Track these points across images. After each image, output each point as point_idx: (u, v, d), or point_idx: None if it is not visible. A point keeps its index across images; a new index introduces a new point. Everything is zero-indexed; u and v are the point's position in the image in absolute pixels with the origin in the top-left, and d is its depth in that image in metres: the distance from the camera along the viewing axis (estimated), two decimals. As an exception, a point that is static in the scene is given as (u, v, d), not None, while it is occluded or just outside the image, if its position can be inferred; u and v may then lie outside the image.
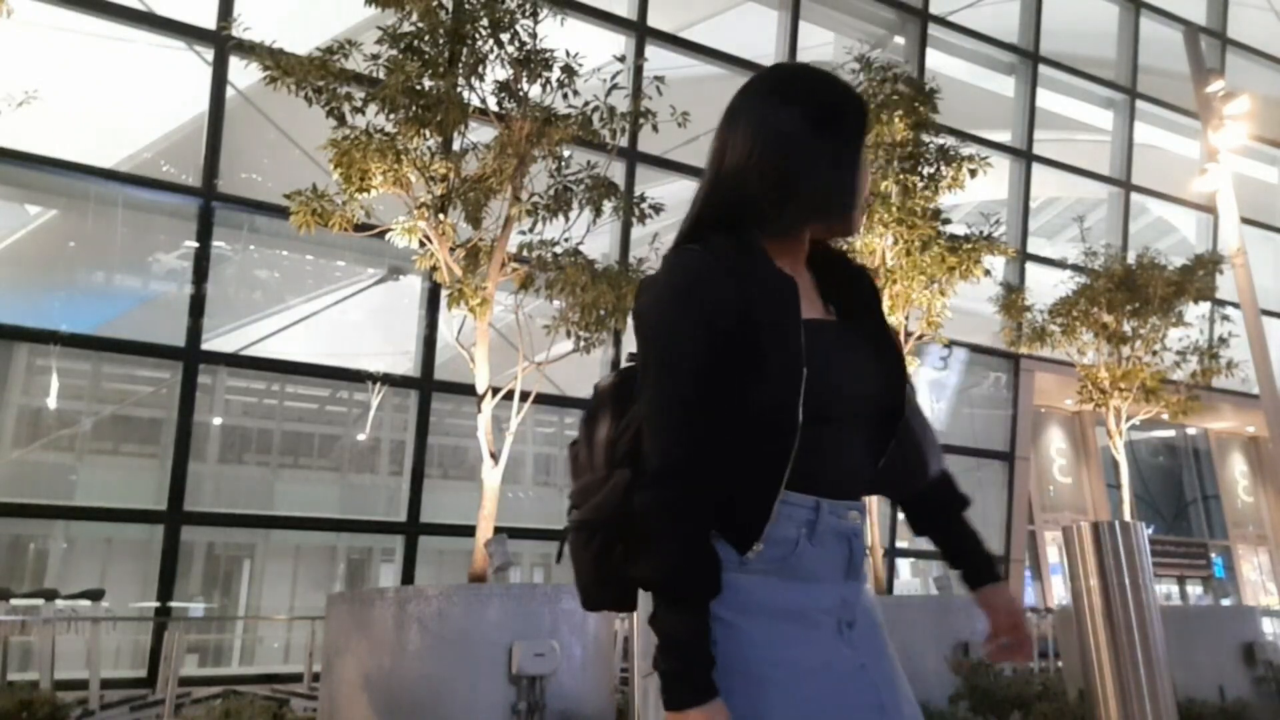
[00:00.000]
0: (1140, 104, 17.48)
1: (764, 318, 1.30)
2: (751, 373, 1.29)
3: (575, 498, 1.50)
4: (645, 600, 1.32)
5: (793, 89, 1.49)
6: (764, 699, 1.25)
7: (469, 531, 5.87)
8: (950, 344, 8.54)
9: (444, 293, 6.24)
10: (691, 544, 1.25)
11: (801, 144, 1.41)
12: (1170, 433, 18.70)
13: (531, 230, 6.41)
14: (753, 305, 1.31)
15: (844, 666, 1.32)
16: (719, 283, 1.32)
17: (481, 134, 6.50)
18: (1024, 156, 15.84)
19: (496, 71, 6.37)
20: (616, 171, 10.65)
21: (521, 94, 6.33)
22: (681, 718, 1.20)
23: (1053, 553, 15.89)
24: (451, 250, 6.22)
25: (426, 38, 6.14)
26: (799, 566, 1.32)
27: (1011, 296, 10.69)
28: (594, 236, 6.71)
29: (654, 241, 7.05)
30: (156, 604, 9.44)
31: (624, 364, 1.52)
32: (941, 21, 15.46)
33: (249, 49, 6.21)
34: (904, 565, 14.62)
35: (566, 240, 6.42)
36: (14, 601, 7.54)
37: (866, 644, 1.37)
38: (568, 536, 1.48)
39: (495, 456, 5.91)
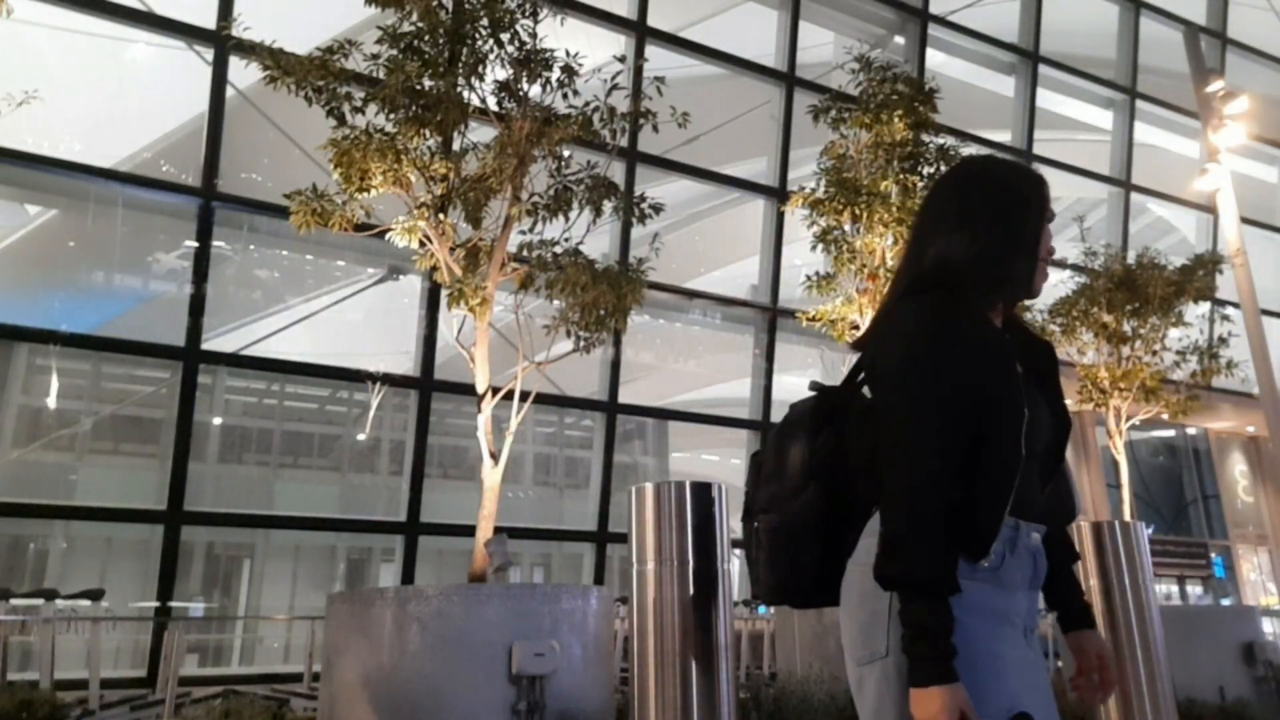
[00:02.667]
0: (1140, 104, 17.48)
1: (994, 368, 1.57)
2: (985, 413, 1.53)
3: (766, 504, 1.74)
4: (853, 594, 1.59)
5: (986, 182, 1.75)
6: (982, 684, 1.48)
7: (469, 531, 5.87)
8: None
9: (444, 293, 6.24)
10: (940, 551, 1.47)
11: (999, 232, 1.68)
12: (1170, 433, 18.71)
13: (531, 230, 6.40)
14: (984, 357, 1.56)
15: (1034, 661, 1.58)
16: (961, 332, 1.57)
17: (481, 134, 6.50)
18: (1024, 156, 15.84)
19: (496, 71, 6.37)
20: (616, 171, 10.66)
21: (521, 94, 6.33)
22: (926, 694, 1.41)
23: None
24: (451, 250, 6.22)
25: (426, 37, 6.14)
26: (1005, 576, 1.56)
27: (1011, 296, 10.67)
28: (594, 236, 6.71)
29: (654, 241, 7.04)
30: (156, 604, 9.44)
31: (811, 387, 1.82)
32: (941, 21, 15.46)
33: (249, 49, 6.21)
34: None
35: (566, 240, 6.42)
36: (14, 601, 7.54)
37: (1039, 649, 1.65)
38: (761, 538, 1.72)
39: (495, 456, 5.91)
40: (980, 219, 1.68)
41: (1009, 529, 1.56)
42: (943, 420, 1.51)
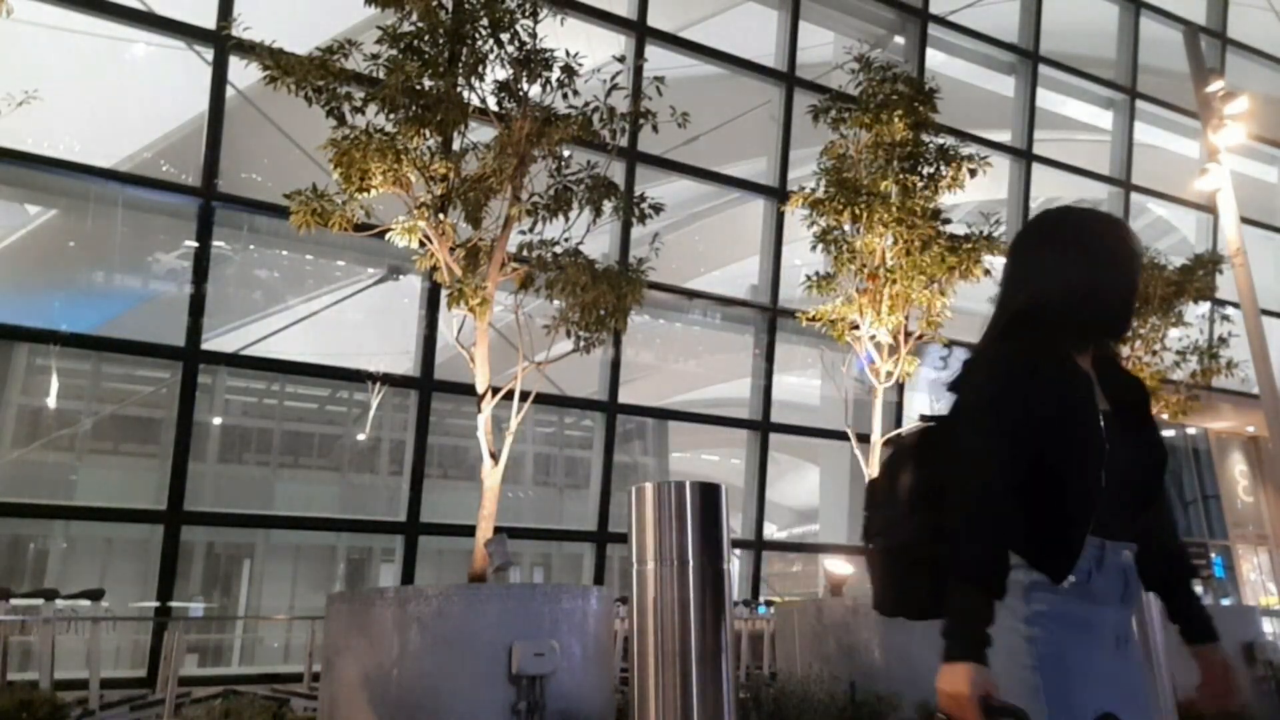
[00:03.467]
0: (1140, 104, 17.47)
1: (1072, 405, 1.73)
2: (1061, 446, 1.71)
3: (880, 527, 1.92)
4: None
5: (1070, 233, 1.90)
6: (1068, 686, 1.66)
7: (469, 531, 5.88)
8: (950, 344, 8.52)
9: (444, 293, 6.24)
10: (989, 554, 1.65)
11: (1086, 282, 1.82)
12: (1170, 433, 18.69)
13: (531, 230, 6.41)
14: (1062, 395, 1.73)
15: (1114, 671, 1.71)
16: (1040, 371, 1.75)
17: (481, 134, 6.50)
18: (1024, 156, 15.84)
19: (496, 71, 6.37)
20: (616, 171, 10.65)
21: (521, 94, 6.33)
22: (954, 669, 1.57)
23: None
24: (451, 250, 6.22)
25: (426, 38, 6.14)
26: (1091, 591, 1.71)
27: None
28: (594, 236, 6.71)
29: (654, 241, 7.04)
30: (156, 604, 9.43)
31: (920, 422, 1.96)
32: (941, 21, 15.45)
33: (249, 49, 6.21)
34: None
35: (566, 240, 6.42)
36: (14, 601, 7.53)
37: (1134, 657, 1.78)
38: (876, 559, 1.92)
39: (495, 456, 5.92)
40: (1069, 265, 1.84)
41: (1094, 548, 1.71)
42: (1001, 445, 1.70)
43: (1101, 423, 1.75)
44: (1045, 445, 1.71)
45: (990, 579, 1.64)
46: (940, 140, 8.66)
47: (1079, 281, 1.82)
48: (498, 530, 5.74)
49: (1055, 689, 1.65)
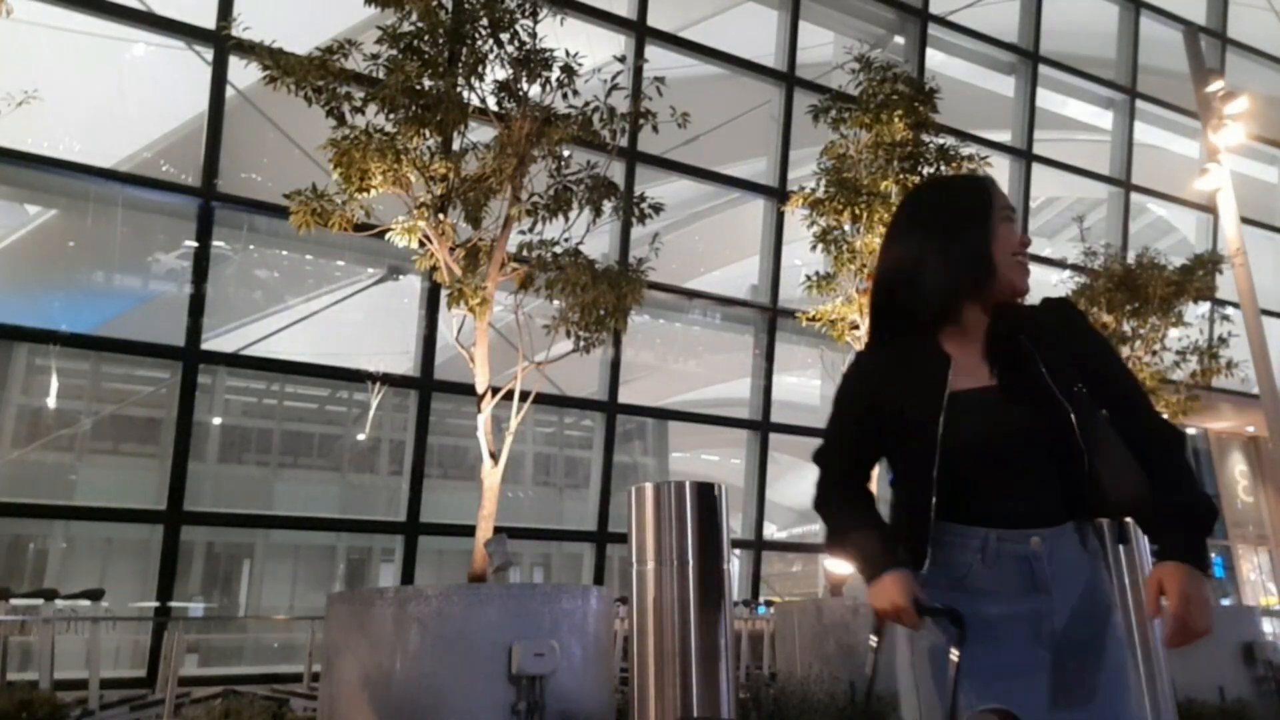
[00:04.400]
0: (1140, 104, 17.47)
1: (909, 395, 1.70)
2: (896, 441, 1.72)
3: None
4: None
5: (910, 203, 1.89)
6: (936, 688, 1.63)
7: (469, 531, 5.87)
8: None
9: (444, 293, 6.24)
10: (832, 511, 1.79)
11: (912, 246, 1.79)
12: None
13: (531, 230, 6.40)
14: (899, 387, 1.72)
15: (1024, 665, 1.62)
16: (871, 370, 1.80)
17: (481, 134, 6.50)
18: (1024, 156, 15.84)
19: (496, 71, 6.37)
20: (616, 171, 10.65)
21: (521, 94, 6.33)
22: (878, 585, 1.63)
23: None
24: (451, 250, 6.22)
25: (426, 37, 6.14)
26: (975, 584, 1.66)
27: (1011, 296, 10.66)
28: (594, 236, 6.71)
29: (654, 241, 7.04)
30: (156, 604, 9.43)
31: None
32: (941, 21, 15.45)
33: (249, 49, 6.21)
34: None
35: (566, 240, 6.42)
36: (14, 601, 7.53)
37: (1073, 648, 1.64)
38: None
39: (495, 456, 5.91)
40: (892, 244, 1.83)
41: (976, 539, 1.66)
42: (841, 438, 1.82)
43: (943, 407, 1.66)
44: (890, 439, 1.73)
45: (843, 529, 1.75)
46: (940, 140, 8.67)
47: (896, 261, 1.81)
48: (498, 530, 5.74)
49: (932, 686, 1.64)
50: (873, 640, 1.70)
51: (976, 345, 1.75)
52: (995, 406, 1.68)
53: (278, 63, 6.05)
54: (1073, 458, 1.65)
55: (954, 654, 1.60)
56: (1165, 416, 1.75)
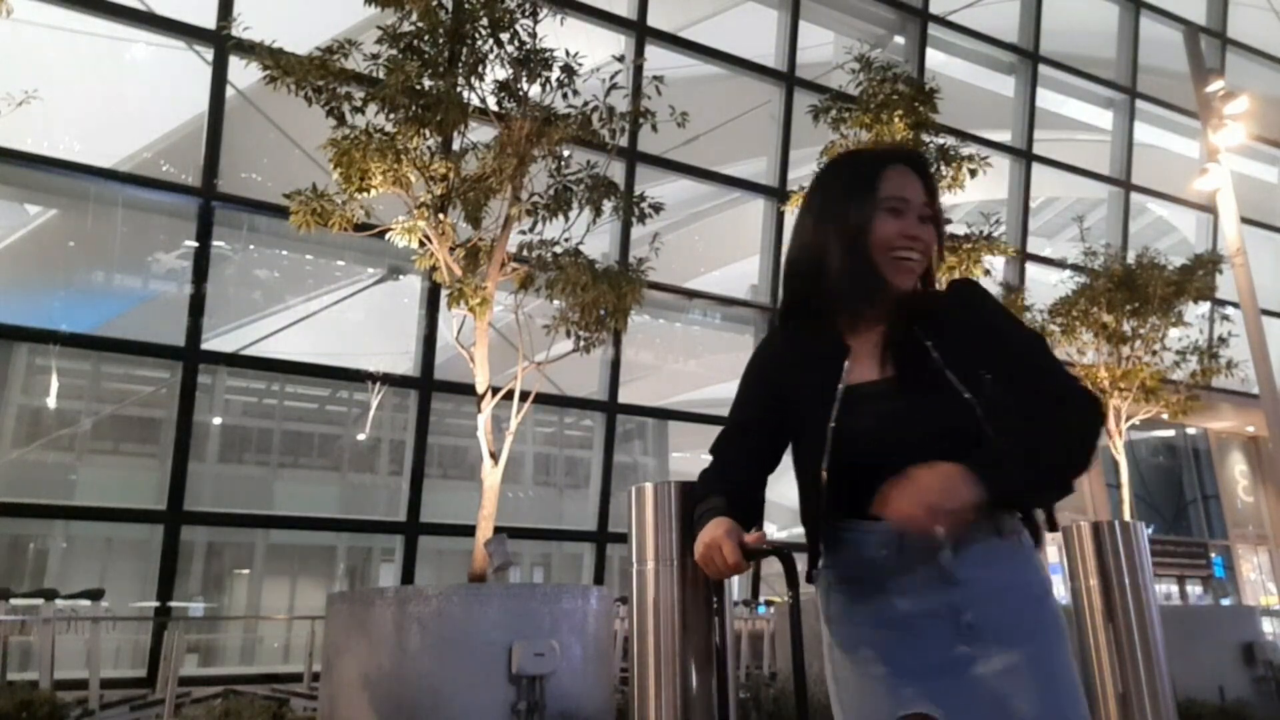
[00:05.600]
0: (1140, 104, 17.47)
1: (805, 386, 1.65)
2: (798, 431, 1.67)
3: None
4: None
5: (814, 179, 1.79)
6: (853, 699, 1.60)
7: (469, 531, 5.87)
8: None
9: (444, 293, 6.23)
10: (707, 484, 1.76)
11: (804, 229, 1.71)
12: (1170, 433, 18.69)
13: (531, 230, 6.40)
14: (795, 375, 1.68)
15: (948, 663, 1.52)
16: (769, 359, 1.77)
17: (481, 134, 6.50)
18: (1024, 156, 15.84)
19: (496, 71, 6.37)
20: (616, 171, 10.65)
21: (521, 94, 6.33)
22: (703, 530, 1.62)
23: (1052, 552, 15.76)
24: (451, 250, 6.22)
25: (426, 37, 6.13)
26: (883, 579, 1.58)
27: (1011, 296, 10.68)
28: (594, 236, 6.71)
29: (654, 241, 7.04)
30: (156, 604, 9.43)
31: None
32: (941, 21, 15.45)
33: (249, 49, 6.21)
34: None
35: (566, 240, 6.42)
36: (14, 601, 7.54)
37: (998, 641, 1.52)
38: None
39: (495, 456, 5.91)
40: (807, 219, 1.72)
41: (884, 534, 1.54)
42: (737, 425, 1.80)
43: (836, 400, 1.59)
44: (790, 431, 1.69)
45: (706, 502, 1.70)
46: (940, 140, 8.66)
47: (793, 243, 1.73)
48: (498, 530, 5.74)
49: (849, 695, 1.60)
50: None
51: (878, 335, 1.65)
52: (890, 399, 1.59)
53: (278, 63, 6.04)
54: (978, 446, 1.52)
55: (788, 595, 1.62)
56: (1082, 383, 1.59)
